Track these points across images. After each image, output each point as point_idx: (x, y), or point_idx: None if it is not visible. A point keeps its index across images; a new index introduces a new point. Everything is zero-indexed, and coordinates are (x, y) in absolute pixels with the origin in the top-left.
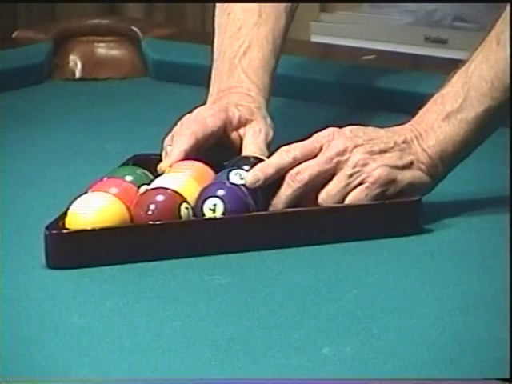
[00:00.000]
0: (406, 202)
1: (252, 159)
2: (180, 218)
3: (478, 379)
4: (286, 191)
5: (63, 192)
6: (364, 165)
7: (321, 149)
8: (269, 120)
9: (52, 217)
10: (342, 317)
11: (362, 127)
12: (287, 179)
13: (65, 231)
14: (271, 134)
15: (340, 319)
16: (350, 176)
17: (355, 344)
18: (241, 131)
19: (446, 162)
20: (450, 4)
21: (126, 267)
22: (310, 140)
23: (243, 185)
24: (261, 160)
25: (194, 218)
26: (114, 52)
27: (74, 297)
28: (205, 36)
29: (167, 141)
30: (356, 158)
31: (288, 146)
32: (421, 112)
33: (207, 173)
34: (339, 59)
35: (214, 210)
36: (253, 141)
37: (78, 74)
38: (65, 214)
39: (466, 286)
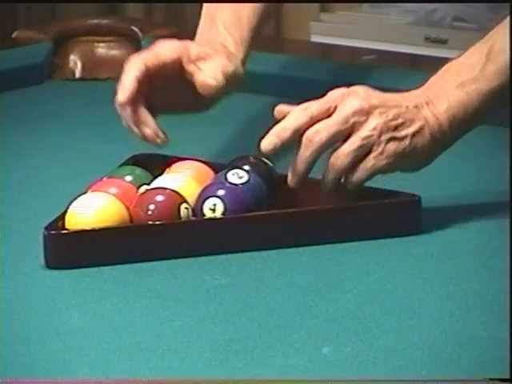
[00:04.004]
0: (406, 202)
1: (252, 159)
2: (180, 218)
3: (478, 379)
4: (305, 153)
5: (63, 192)
6: (379, 132)
7: (335, 108)
8: (241, 69)
9: (52, 217)
10: (342, 317)
11: (372, 89)
12: (305, 140)
13: (64, 231)
14: (230, 68)
15: (340, 319)
16: (364, 139)
17: (355, 344)
18: (200, 65)
19: (455, 130)
20: (449, 4)
21: (125, 267)
22: (324, 99)
23: (243, 184)
24: (260, 159)
25: (193, 218)
26: (114, 52)
27: (73, 297)
28: None
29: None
30: (372, 122)
31: (303, 105)
32: (432, 79)
33: (207, 173)
34: (339, 59)
35: (214, 210)
36: (208, 66)
37: (77, 74)
38: (64, 214)
39: (466, 285)
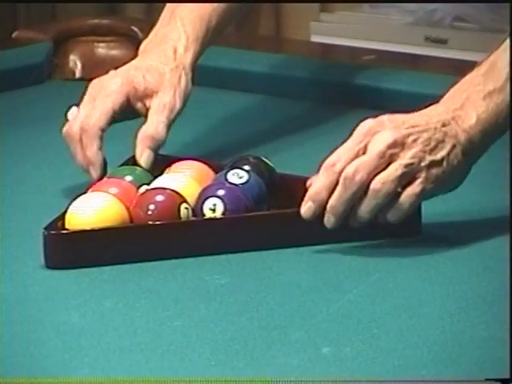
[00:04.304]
0: None
1: (251, 159)
2: (180, 218)
3: (478, 379)
4: (346, 194)
5: (63, 192)
6: (419, 159)
7: (366, 146)
8: (183, 81)
9: (52, 217)
10: (342, 317)
11: (395, 115)
12: (344, 181)
13: (63, 232)
14: (178, 106)
15: (340, 319)
16: (406, 166)
17: (355, 344)
18: (147, 102)
19: (485, 142)
20: (450, 4)
21: (125, 267)
22: (350, 142)
23: (243, 184)
24: (260, 159)
25: (193, 218)
26: (114, 52)
27: (73, 297)
28: None
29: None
30: (410, 151)
31: (331, 159)
32: (453, 91)
33: (207, 173)
34: (339, 59)
35: (214, 210)
36: (152, 120)
37: (78, 74)
38: (64, 214)
39: (466, 285)
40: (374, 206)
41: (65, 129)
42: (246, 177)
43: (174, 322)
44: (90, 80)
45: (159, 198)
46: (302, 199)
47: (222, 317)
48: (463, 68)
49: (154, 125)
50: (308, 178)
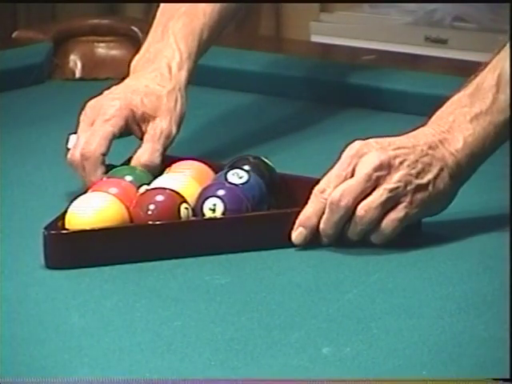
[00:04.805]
0: None
1: (251, 159)
2: (180, 218)
3: (478, 379)
4: (333, 218)
5: (63, 192)
6: (404, 183)
7: (353, 169)
8: (178, 106)
9: (52, 217)
10: (342, 317)
11: (382, 138)
12: (331, 206)
13: (63, 231)
14: (173, 132)
15: (340, 319)
16: (391, 191)
17: (355, 344)
18: (143, 127)
19: (472, 165)
20: (450, 4)
21: (125, 267)
22: (339, 166)
23: (243, 184)
24: (260, 159)
25: (193, 217)
26: (114, 52)
27: (73, 297)
28: None
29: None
30: (396, 175)
31: (320, 184)
32: (440, 113)
33: (207, 173)
34: (339, 59)
35: (213, 210)
36: (147, 148)
37: (78, 74)
38: (64, 214)
39: (466, 285)
40: (358, 231)
41: (68, 157)
42: (245, 177)
43: (174, 322)
44: (90, 80)
45: (159, 198)
46: (302, 199)
47: (222, 317)
48: (463, 68)
49: (149, 152)
50: (308, 178)
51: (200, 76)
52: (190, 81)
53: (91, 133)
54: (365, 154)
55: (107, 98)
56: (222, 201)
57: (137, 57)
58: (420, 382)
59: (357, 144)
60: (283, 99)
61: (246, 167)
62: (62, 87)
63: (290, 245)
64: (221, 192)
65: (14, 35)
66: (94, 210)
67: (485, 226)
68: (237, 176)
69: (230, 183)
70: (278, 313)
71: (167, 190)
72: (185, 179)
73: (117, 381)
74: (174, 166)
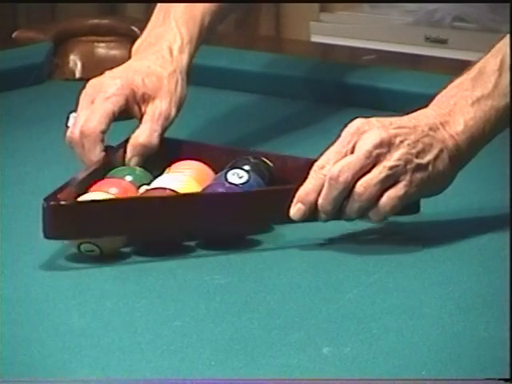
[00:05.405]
0: None
1: (252, 159)
2: None
3: (478, 379)
4: (331, 194)
5: None
6: (404, 162)
7: (353, 146)
8: (179, 88)
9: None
10: (342, 317)
11: (383, 117)
12: (330, 181)
13: (62, 202)
14: (173, 114)
15: (340, 319)
16: (390, 169)
17: (355, 344)
18: (142, 107)
19: (472, 148)
20: (450, 4)
21: (125, 267)
22: (339, 143)
23: (243, 184)
24: (260, 159)
25: (194, 192)
26: (114, 52)
27: (73, 297)
28: None
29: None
30: (396, 153)
31: (320, 161)
32: (441, 96)
33: (207, 173)
34: (339, 59)
35: None
36: (146, 128)
37: (77, 74)
38: (62, 188)
39: (466, 285)
40: (357, 208)
41: (67, 135)
42: (245, 177)
43: (174, 322)
44: (89, 80)
45: None
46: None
47: (221, 317)
48: (463, 68)
49: (148, 133)
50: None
51: (200, 76)
52: (190, 65)
53: (91, 110)
54: (365, 132)
55: (108, 77)
56: None
57: (138, 41)
58: (420, 381)
59: (358, 121)
60: (283, 99)
61: (246, 167)
62: (62, 87)
63: (289, 221)
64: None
65: (14, 35)
66: None
67: (485, 226)
68: (237, 176)
69: (230, 183)
70: (278, 313)
71: (167, 190)
72: (185, 179)
73: (117, 381)
74: (174, 166)
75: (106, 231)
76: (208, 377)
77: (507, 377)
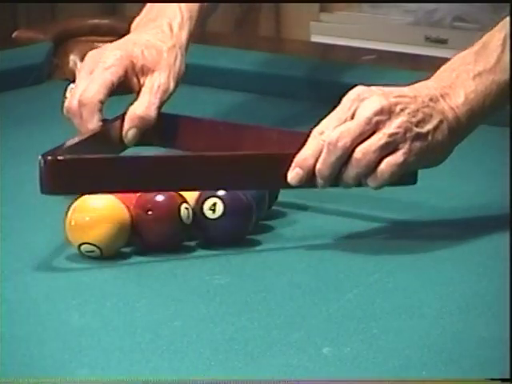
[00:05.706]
0: None
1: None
2: (180, 218)
3: (478, 379)
4: (330, 158)
5: None
6: (404, 130)
7: (353, 113)
8: (178, 62)
9: (52, 217)
10: (342, 317)
11: (384, 87)
12: (329, 146)
13: (59, 157)
14: (171, 88)
15: (340, 319)
16: (390, 136)
17: (355, 344)
18: (141, 79)
19: (472, 122)
20: (450, 4)
21: (126, 267)
22: (339, 109)
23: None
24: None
25: (187, 153)
26: None
27: (73, 297)
28: (204, 36)
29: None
30: (397, 121)
31: (319, 126)
32: (444, 69)
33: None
34: (339, 59)
35: (213, 210)
36: (144, 100)
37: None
38: (59, 147)
39: (465, 285)
40: (355, 174)
41: (65, 105)
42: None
43: (174, 321)
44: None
45: (159, 198)
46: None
47: (221, 317)
48: None
49: (146, 105)
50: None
51: (200, 76)
52: (189, 43)
53: (90, 80)
54: (366, 99)
55: (107, 49)
56: (222, 201)
57: (138, 17)
58: (420, 381)
59: (358, 88)
60: (283, 99)
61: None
62: (62, 87)
63: (286, 186)
64: (221, 192)
65: (13, 35)
66: (94, 210)
67: (485, 226)
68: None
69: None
70: (278, 313)
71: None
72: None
73: (117, 381)
74: None
75: (103, 186)
76: (208, 377)
77: (507, 377)
